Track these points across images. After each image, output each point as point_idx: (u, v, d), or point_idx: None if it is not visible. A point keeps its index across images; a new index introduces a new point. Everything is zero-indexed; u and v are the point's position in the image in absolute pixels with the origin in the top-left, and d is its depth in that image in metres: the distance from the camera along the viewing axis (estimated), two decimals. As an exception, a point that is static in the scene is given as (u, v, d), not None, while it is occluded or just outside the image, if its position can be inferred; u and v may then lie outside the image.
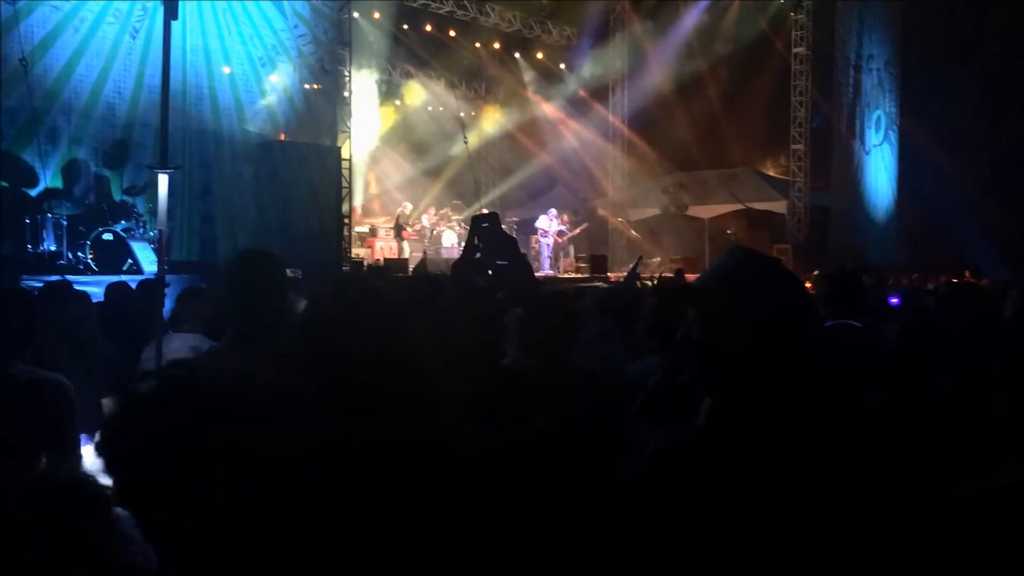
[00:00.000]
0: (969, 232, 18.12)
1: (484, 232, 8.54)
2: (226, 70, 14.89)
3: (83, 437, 4.76)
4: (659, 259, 19.91)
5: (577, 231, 19.75)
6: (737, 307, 1.45)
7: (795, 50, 20.03)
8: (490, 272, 7.24)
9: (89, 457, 4.53)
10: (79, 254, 11.44)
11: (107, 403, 5.03)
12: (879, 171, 21.15)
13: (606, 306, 4.62)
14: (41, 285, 6.41)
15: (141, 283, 7.51)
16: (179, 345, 4.43)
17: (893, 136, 21.50)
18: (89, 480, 1.81)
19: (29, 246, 11.21)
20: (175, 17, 3.76)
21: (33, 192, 12.15)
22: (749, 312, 1.44)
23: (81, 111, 13.07)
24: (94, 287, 6.95)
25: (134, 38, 13.68)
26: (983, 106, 18.69)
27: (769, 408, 1.41)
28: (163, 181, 3.87)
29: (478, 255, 8.29)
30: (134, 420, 1.38)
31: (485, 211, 12.63)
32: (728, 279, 1.50)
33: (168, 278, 10.51)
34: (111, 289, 7.00)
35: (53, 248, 11.37)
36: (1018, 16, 17.51)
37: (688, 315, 1.52)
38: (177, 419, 1.35)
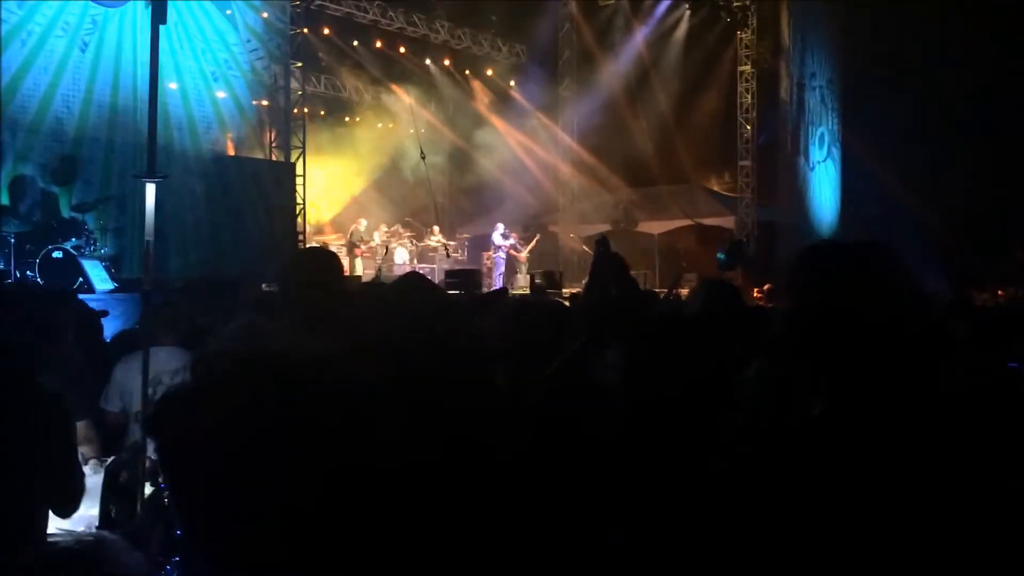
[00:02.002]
0: (910, 246, 18.58)
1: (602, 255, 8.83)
2: (172, 86, 14.65)
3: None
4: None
5: (533, 244, 19.81)
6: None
7: (741, 68, 20.45)
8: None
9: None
10: (28, 273, 11.11)
11: (82, 426, 4.92)
12: (823, 187, 21.64)
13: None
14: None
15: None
16: (164, 358, 4.36)
17: (836, 152, 22.03)
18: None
19: (-26, 265, 10.89)
20: (163, 21, 3.70)
21: (-22, 210, 11.80)
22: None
23: (28, 126, 12.73)
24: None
25: (83, 51, 13.39)
26: (923, 123, 19.25)
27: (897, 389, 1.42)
28: (150, 191, 3.80)
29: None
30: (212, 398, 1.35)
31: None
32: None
33: (118, 296, 10.34)
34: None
35: (0, 267, 11.04)
36: (955, 35, 18.11)
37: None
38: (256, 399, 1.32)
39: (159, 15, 3.58)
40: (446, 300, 1.67)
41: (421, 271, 18.46)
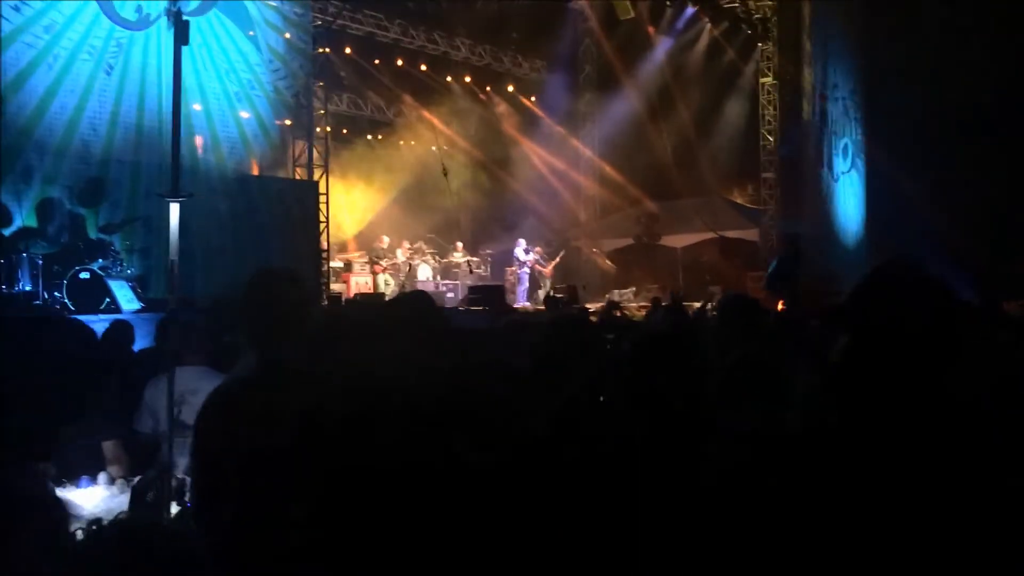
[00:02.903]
0: (937, 257, 18.40)
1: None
2: (196, 107, 14.79)
3: (84, 479, 4.67)
4: (634, 288, 20.03)
5: (557, 259, 19.80)
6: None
7: (762, 80, 20.39)
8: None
9: (94, 499, 4.42)
10: (55, 294, 11.23)
11: (109, 447, 4.94)
12: (848, 198, 21.46)
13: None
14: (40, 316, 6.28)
15: (115, 323, 7.35)
16: (191, 377, 4.37)
17: (860, 163, 21.85)
18: None
19: (4, 286, 10.99)
20: (186, 42, 3.73)
21: (7, 232, 11.93)
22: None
23: (55, 149, 12.89)
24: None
25: (109, 74, 13.56)
26: (948, 133, 19.07)
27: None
28: (174, 210, 3.82)
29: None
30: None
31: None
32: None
33: (145, 316, 10.42)
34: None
35: (28, 288, 11.15)
36: (978, 44, 17.96)
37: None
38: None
39: (181, 36, 3.61)
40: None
41: (444, 287, 18.60)
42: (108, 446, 4.80)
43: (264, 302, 2.76)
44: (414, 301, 3.31)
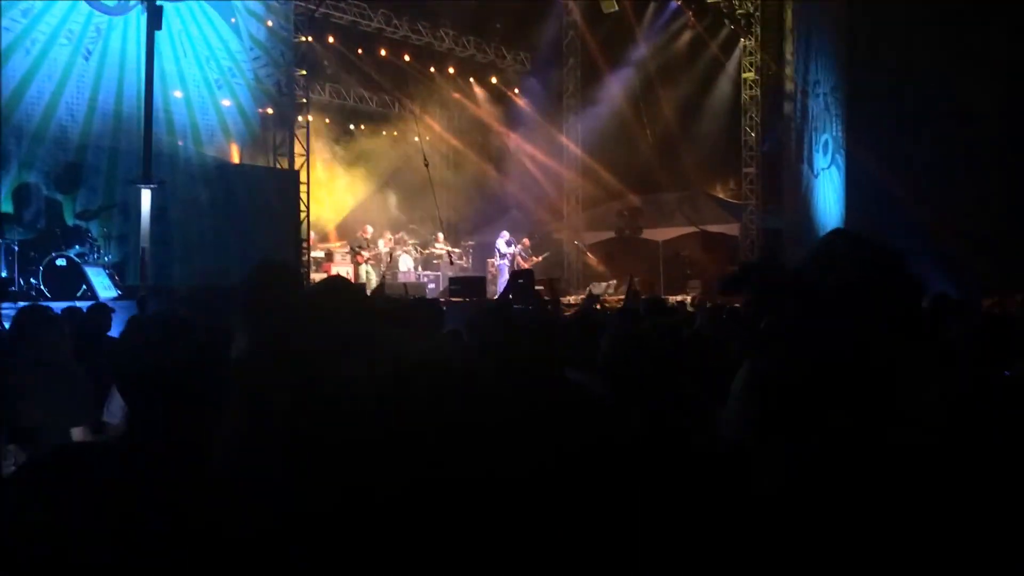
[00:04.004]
0: (916, 253, 18.53)
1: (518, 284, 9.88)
2: (178, 94, 14.68)
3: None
4: (615, 282, 20.08)
5: (539, 258, 19.80)
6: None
7: (744, 75, 20.45)
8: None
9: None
10: (31, 280, 11.15)
11: (77, 432, 4.89)
12: (828, 194, 21.57)
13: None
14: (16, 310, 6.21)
15: (93, 307, 7.32)
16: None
17: (840, 160, 21.96)
18: None
19: (-21, 272, 10.91)
20: (159, 27, 3.70)
21: (-18, 218, 11.84)
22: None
23: (32, 134, 12.77)
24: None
25: (87, 60, 13.43)
26: (927, 129, 19.20)
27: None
28: (145, 196, 3.79)
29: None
30: None
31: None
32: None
33: (122, 304, 10.35)
34: (69, 315, 6.83)
35: (4, 274, 11.04)
36: (959, 40, 18.09)
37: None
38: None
39: (155, 21, 3.57)
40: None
41: (425, 278, 18.58)
42: (77, 432, 4.75)
43: (266, 290, 2.79)
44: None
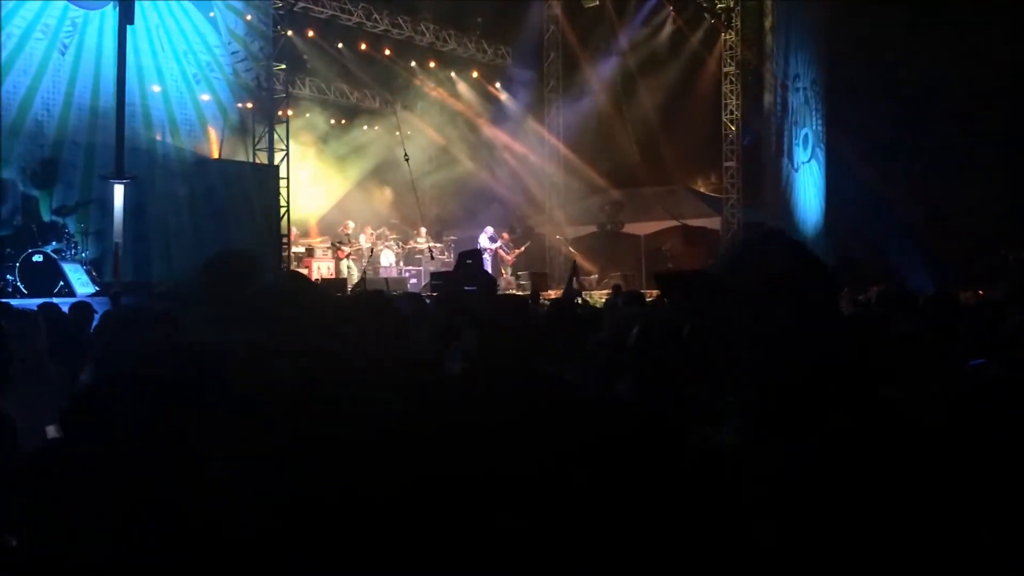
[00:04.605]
0: (895, 246, 18.69)
1: (466, 264, 9.76)
2: (156, 88, 14.57)
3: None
4: (596, 276, 20.13)
5: (521, 249, 19.81)
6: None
7: (725, 69, 20.50)
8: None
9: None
10: (8, 276, 11.05)
11: (52, 430, 4.86)
12: (808, 188, 21.70)
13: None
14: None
15: (75, 305, 7.27)
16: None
17: (820, 153, 22.10)
18: None
19: (-45, 269, 10.82)
20: (131, 21, 3.68)
21: (-43, 213, 11.73)
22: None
23: (8, 129, 12.62)
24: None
25: (63, 54, 13.30)
26: (906, 123, 19.34)
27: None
28: (118, 192, 3.76)
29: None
30: None
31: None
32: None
33: (99, 300, 10.27)
34: (44, 310, 6.77)
35: (-21, 271, 10.98)
36: (938, 35, 18.21)
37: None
38: None
39: (126, 15, 3.54)
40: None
41: (407, 273, 18.55)
42: (52, 430, 4.71)
43: (221, 279, 2.77)
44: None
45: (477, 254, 10.30)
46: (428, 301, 5.34)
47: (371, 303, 2.60)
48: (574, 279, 7.82)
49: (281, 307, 2.14)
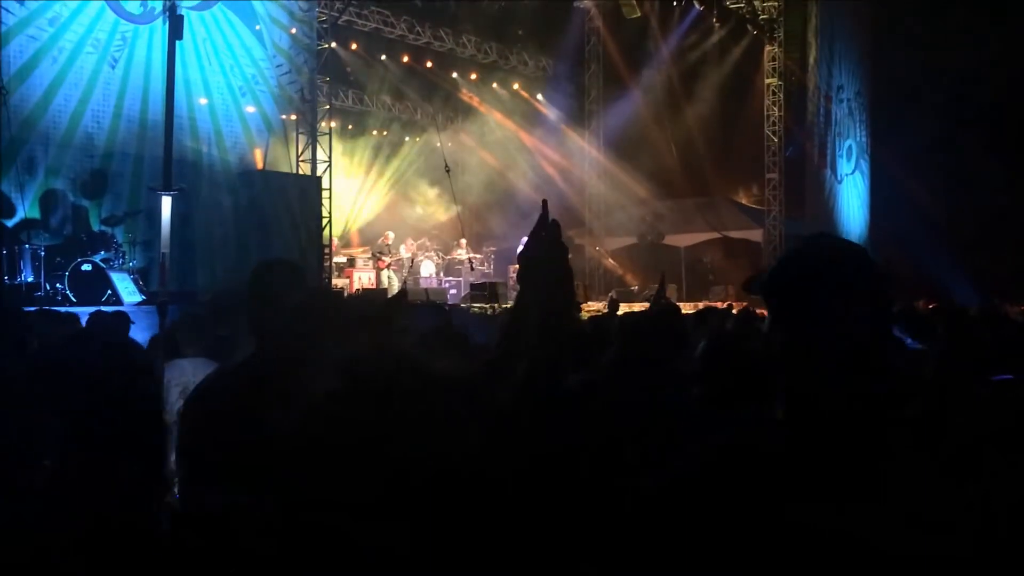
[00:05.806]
0: (940, 259, 18.41)
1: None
2: (202, 101, 14.83)
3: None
4: (636, 287, 20.05)
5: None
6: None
7: (768, 81, 20.36)
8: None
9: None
10: (57, 285, 11.27)
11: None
12: (851, 199, 21.46)
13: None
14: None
15: (117, 313, 7.37)
16: (191, 369, 4.38)
17: (864, 165, 21.86)
18: None
19: (6, 278, 11.04)
20: (180, 37, 3.74)
21: (10, 223, 11.99)
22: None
23: (59, 141, 12.93)
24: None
25: (113, 68, 13.59)
26: (952, 134, 19.06)
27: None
28: (166, 203, 3.83)
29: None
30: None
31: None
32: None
33: (146, 308, 10.44)
34: (95, 319, 6.90)
35: (31, 279, 11.20)
36: (983, 46, 17.95)
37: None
38: None
39: (176, 31, 3.62)
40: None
41: (447, 283, 18.61)
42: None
43: (265, 291, 2.78)
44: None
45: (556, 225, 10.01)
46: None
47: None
48: (662, 291, 7.71)
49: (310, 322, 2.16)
